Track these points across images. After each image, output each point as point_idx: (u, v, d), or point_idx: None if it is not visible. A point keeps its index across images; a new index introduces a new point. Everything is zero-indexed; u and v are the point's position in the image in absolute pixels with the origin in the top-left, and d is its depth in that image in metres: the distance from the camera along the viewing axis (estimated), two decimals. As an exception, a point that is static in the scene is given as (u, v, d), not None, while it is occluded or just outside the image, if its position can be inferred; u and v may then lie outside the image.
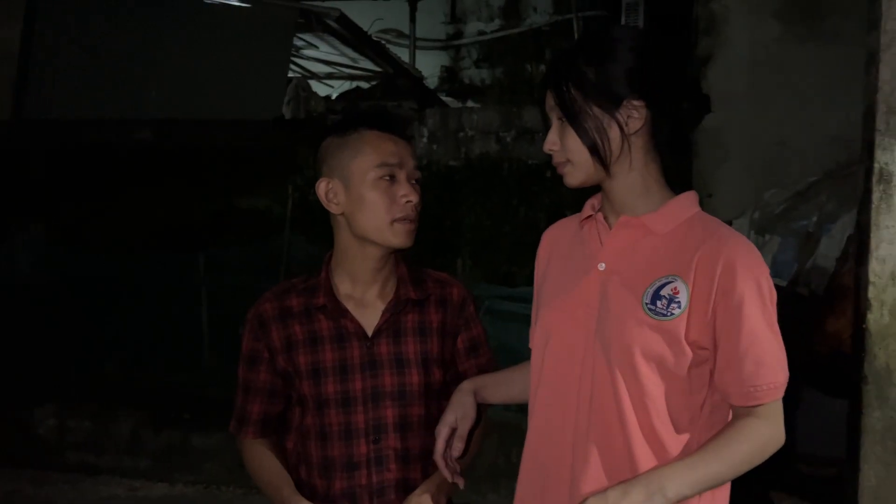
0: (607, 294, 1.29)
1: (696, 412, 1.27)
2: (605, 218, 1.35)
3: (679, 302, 1.23)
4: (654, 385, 1.25)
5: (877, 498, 2.47)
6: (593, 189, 1.36)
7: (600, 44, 1.28)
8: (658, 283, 1.25)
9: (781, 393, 1.25)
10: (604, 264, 1.31)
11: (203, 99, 5.55)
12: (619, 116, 1.26)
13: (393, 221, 1.47)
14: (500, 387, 1.52)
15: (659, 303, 1.24)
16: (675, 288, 1.24)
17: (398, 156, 1.49)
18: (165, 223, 5.66)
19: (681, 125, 1.31)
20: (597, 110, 1.26)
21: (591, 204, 1.39)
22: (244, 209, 5.78)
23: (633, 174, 1.29)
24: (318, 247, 5.11)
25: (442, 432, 1.42)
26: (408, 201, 1.48)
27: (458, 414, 1.44)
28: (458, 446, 1.43)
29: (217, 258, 5.16)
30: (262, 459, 1.55)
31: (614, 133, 1.26)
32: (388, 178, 1.47)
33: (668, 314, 1.23)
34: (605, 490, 1.21)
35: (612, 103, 1.26)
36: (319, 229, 5.36)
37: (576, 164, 1.29)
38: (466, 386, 1.49)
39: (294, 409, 1.54)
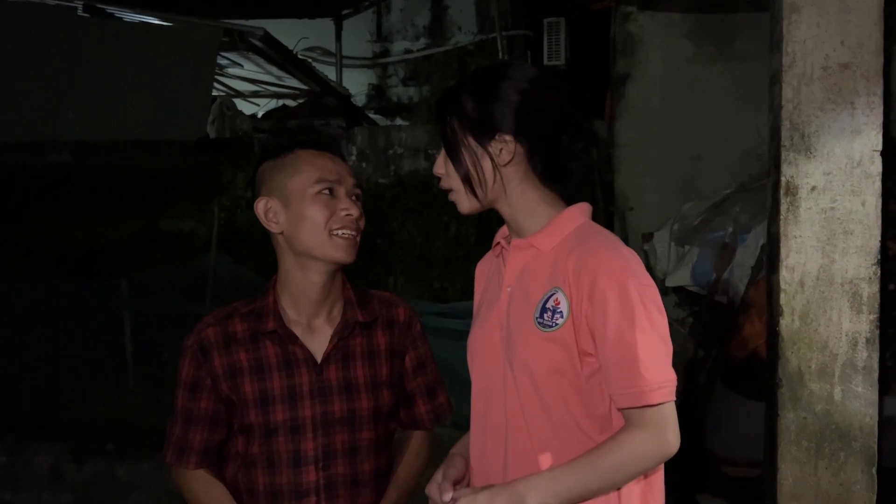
0: (511, 314, 1.35)
1: (606, 421, 1.31)
2: (510, 243, 1.41)
3: (561, 312, 1.29)
4: (553, 398, 1.29)
5: (794, 497, 2.58)
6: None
7: (482, 79, 1.35)
8: (545, 297, 1.31)
9: (661, 396, 1.24)
10: (510, 287, 1.37)
11: (125, 119, 5.40)
12: (490, 149, 1.32)
13: (332, 234, 1.47)
14: None
15: (545, 315, 1.30)
16: (557, 299, 1.30)
17: (336, 172, 1.50)
18: (86, 247, 5.47)
19: (557, 157, 1.36)
20: (472, 142, 1.32)
21: (501, 231, 1.45)
22: (168, 231, 5.63)
23: (512, 200, 1.36)
24: (246, 268, 5.03)
25: (432, 491, 1.35)
26: (347, 214, 1.48)
27: (443, 468, 1.39)
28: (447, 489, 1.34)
29: (141, 282, 5.00)
30: (209, 489, 1.52)
31: (486, 164, 1.33)
32: (327, 192, 1.48)
33: (553, 325, 1.29)
34: (477, 490, 1.24)
35: (485, 136, 1.32)
36: (246, 250, 5.30)
37: (456, 191, 1.36)
38: (455, 450, 1.46)
39: (236, 437, 1.51)
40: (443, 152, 1.37)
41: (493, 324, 1.38)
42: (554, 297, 1.30)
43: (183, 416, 1.53)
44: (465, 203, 1.37)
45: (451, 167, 1.35)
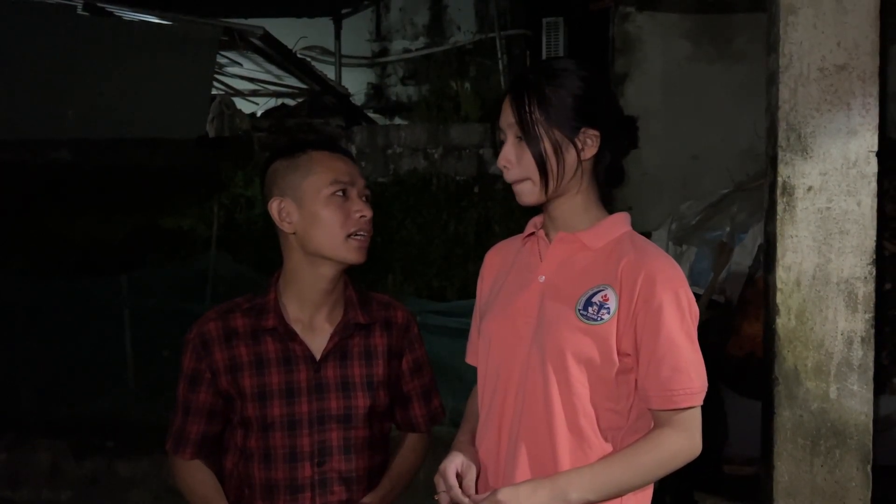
0: (545, 303, 1.37)
1: (623, 418, 1.35)
2: (546, 234, 1.44)
3: (609, 308, 1.32)
4: (581, 386, 1.32)
5: (790, 494, 2.60)
6: (526, 207, 1.43)
7: (564, 73, 1.36)
8: (590, 292, 1.34)
9: (697, 401, 1.31)
10: (543, 277, 1.39)
11: (124, 117, 5.40)
12: (577, 142, 1.35)
13: (348, 237, 1.49)
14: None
15: (590, 308, 1.32)
16: (605, 295, 1.33)
17: (349, 174, 1.52)
18: (86, 245, 5.48)
19: (619, 155, 1.41)
20: (557, 134, 1.34)
21: (534, 223, 1.47)
22: (168, 229, 5.65)
23: (579, 196, 1.39)
24: (245, 265, 5.04)
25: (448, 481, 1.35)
26: (362, 216, 1.50)
27: (457, 461, 1.39)
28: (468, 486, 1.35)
29: (141, 279, 5.02)
30: (198, 476, 1.55)
31: (571, 157, 1.35)
32: (340, 194, 1.49)
33: (599, 319, 1.31)
34: (518, 484, 1.27)
35: (573, 129, 1.34)
36: (246, 248, 5.31)
37: (531, 181, 1.36)
38: (462, 438, 1.47)
39: (236, 430, 1.54)
40: (510, 142, 1.37)
41: (517, 310, 1.39)
42: (602, 294, 1.33)
43: (182, 407, 1.56)
44: (534, 195, 1.37)
45: (526, 157, 1.35)
